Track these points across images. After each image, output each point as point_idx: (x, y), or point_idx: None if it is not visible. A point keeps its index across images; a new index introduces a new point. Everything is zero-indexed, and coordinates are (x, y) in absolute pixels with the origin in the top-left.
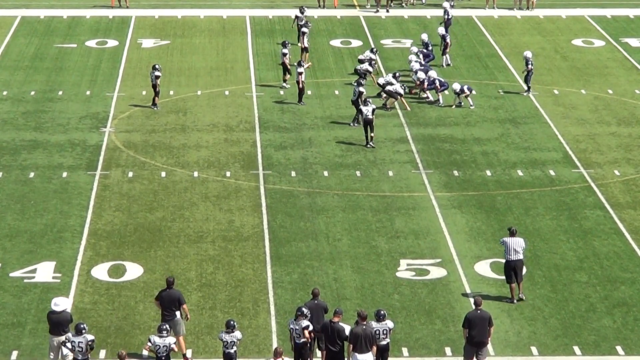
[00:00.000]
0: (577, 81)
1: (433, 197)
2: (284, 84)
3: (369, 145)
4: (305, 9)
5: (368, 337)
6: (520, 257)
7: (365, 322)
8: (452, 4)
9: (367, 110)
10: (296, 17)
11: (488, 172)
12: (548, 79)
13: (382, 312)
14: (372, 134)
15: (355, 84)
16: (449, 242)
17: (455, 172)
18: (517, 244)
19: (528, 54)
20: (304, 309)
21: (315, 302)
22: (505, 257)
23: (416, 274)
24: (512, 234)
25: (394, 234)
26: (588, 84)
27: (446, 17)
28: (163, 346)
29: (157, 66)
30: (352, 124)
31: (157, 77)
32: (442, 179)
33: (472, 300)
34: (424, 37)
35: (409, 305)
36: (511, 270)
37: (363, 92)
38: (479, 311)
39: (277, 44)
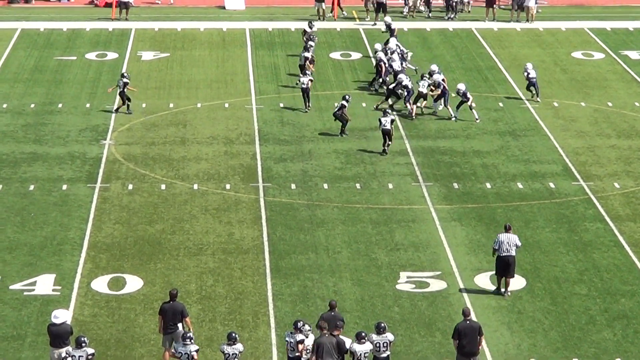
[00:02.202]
0: (577, 94)
1: (433, 210)
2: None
3: (384, 153)
4: (314, 24)
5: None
6: (512, 253)
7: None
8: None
9: (385, 120)
10: (304, 31)
11: (488, 185)
12: (548, 91)
13: (382, 324)
14: (390, 143)
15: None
16: (448, 255)
17: (455, 185)
18: (509, 239)
19: (527, 65)
20: (299, 323)
21: (332, 314)
22: (496, 252)
23: (416, 286)
24: (506, 230)
25: (393, 246)
26: (588, 96)
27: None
28: (185, 354)
29: (125, 74)
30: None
31: (125, 84)
32: (442, 191)
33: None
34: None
35: (409, 317)
36: (503, 265)
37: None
38: (468, 321)
39: (292, 56)
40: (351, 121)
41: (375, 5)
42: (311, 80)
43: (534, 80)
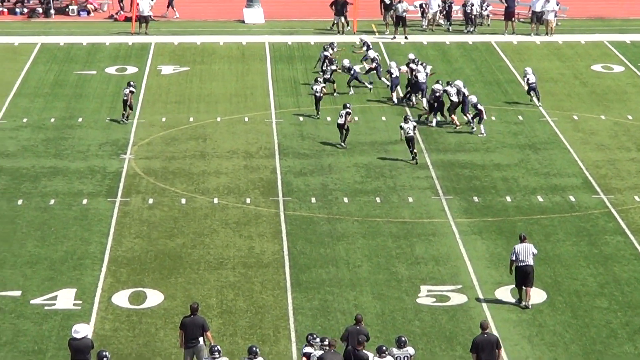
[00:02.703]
0: (597, 107)
1: (453, 223)
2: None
3: (414, 161)
4: (335, 45)
5: None
6: (530, 262)
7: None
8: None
9: (408, 127)
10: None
11: (508, 198)
12: (567, 104)
13: (403, 338)
14: (415, 150)
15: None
16: (469, 268)
17: (475, 198)
18: (526, 249)
19: (527, 70)
20: (309, 336)
21: (357, 327)
22: (514, 263)
23: (437, 300)
24: (522, 240)
25: (414, 260)
26: (607, 109)
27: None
28: None
29: (131, 83)
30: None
31: (132, 92)
32: (462, 205)
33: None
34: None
35: (430, 331)
36: (522, 274)
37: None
38: (485, 335)
39: (318, 71)
40: (363, 134)
41: (395, 18)
42: (324, 88)
43: (534, 85)
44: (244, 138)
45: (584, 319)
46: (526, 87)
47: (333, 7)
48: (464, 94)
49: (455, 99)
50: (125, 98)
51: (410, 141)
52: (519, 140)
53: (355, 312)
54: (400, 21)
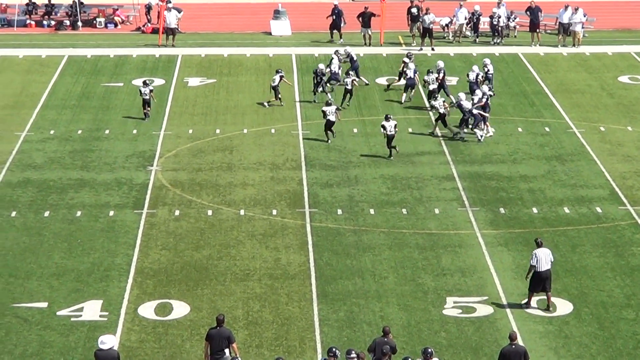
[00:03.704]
0: (624, 118)
1: (479, 235)
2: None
3: (391, 157)
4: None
5: None
6: (549, 267)
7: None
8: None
9: (389, 125)
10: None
11: (534, 210)
12: (594, 116)
13: (429, 349)
14: (394, 146)
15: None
16: (495, 280)
17: (502, 210)
18: (545, 255)
19: (485, 60)
20: (335, 349)
21: (385, 339)
22: (534, 268)
23: (463, 311)
24: (539, 245)
25: (440, 271)
26: (634, 120)
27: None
28: None
29: (147, 81)
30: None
31: (151, 90)
32: (489, 216)
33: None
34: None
35: (456, 343)
36: (541, 280)
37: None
38: (513, 346)
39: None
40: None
41: (422, 30)
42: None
43: (491, 75)
44: (271, 150)
45: (611, 330)
46: (483, 77)
47: (360, 19)
48: (443, 75)
49: (433, 87)
50: (146, 97)
51: (391, 139)
52: (546, 152)
53: (381, 323)
54: (427, 33)
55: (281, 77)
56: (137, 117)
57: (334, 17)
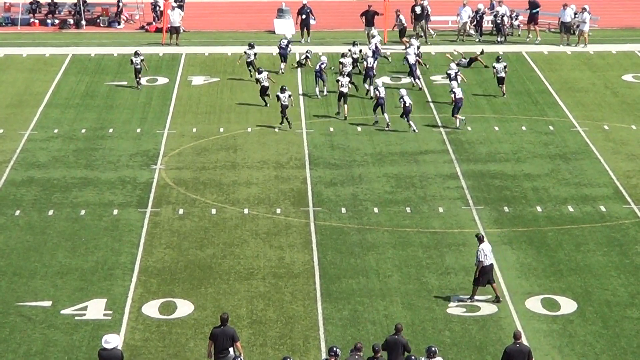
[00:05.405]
0: (628, 117)
1: (483, 234)
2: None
3: (287, 126)
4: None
5: None
6: (492, 261)
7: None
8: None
9: (284, 97)
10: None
11: (538, 208)
12: (598, 114)
13: (433, 348)
14: (289, 120)
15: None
16: (499, 278)
17: (506, 208)
18: (489, 249)
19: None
20: (335, 348)
21: (396, 337)
22: (481, 264)
23: (467, 310)
24: (481, 240)
25: (444, 270)
26: (639, 119)
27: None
28: None
29: (138, 52)
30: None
31: (142, 60)
32: (493, 215)
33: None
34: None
35: (460, 341)
36: (486, 274)
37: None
38: (517, 345)
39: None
40: (393, 144)
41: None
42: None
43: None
44: (275, 148)
45: (615, 329)
46: (453, 72)
47: (363, 18)
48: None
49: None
50: (138, 67)
51: (285, 109)
52: (550, 151)
53: (385, 322)
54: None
55: (255, 54)
56: (141, 117)
57: (304, 15)
